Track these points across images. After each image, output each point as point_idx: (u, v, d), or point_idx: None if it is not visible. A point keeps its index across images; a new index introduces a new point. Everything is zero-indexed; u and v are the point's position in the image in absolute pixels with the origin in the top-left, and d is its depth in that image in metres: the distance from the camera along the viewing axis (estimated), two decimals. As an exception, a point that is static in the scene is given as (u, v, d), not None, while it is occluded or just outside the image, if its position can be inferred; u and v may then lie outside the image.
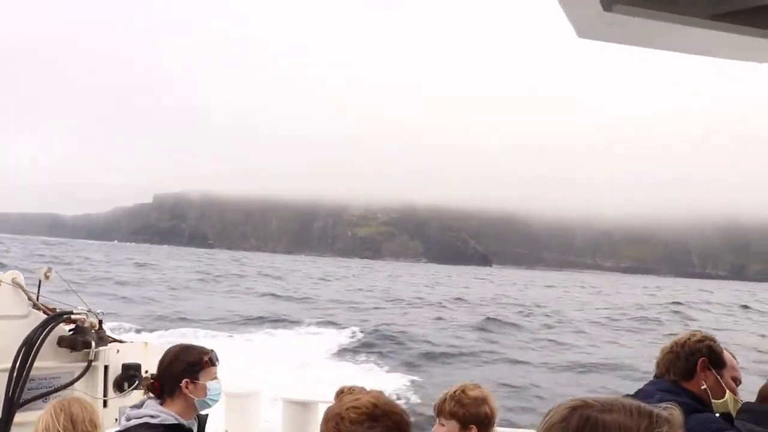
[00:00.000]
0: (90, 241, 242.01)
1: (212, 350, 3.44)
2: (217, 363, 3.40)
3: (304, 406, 6.62)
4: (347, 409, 1.84)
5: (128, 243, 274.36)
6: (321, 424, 1.93)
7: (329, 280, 70.55)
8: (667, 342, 3.25)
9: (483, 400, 3.02)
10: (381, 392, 1.97)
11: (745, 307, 58.83)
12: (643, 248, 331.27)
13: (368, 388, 2.05)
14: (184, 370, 3.28)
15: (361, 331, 26.55)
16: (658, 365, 3.20)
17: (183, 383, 3.27)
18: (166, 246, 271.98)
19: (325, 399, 7.49)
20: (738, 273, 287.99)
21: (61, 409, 3.32)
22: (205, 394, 3.31)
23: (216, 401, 3.41)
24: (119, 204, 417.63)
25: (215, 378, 3.37)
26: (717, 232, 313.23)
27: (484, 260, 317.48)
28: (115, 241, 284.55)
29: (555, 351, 25.93)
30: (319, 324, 28.70)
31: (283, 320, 29.66)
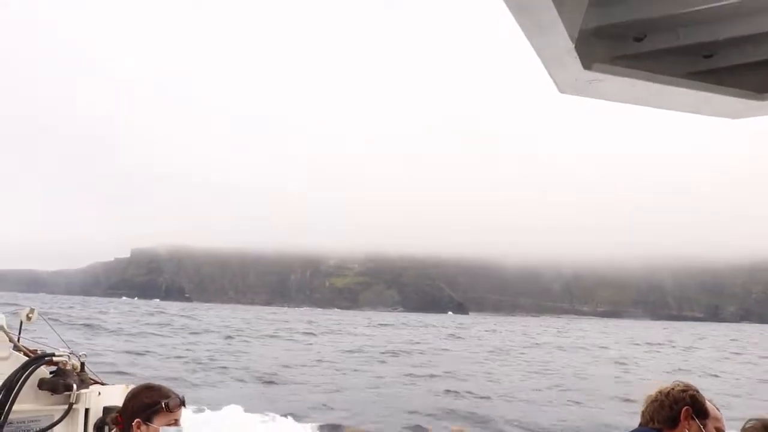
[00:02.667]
0: (67, 297, 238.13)
1: (176, 396, 3.32)
2: (175, 410, 3.26)
3: None
4: None
5: (104, 298, 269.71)
6: None
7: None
8: (653, 392, 3.30)
9: None
10: None
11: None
12: (617, 292, 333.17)
13: None
14: (138, 410, 3.23)
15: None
16: (642, 414, 3.25)
17: (135, 423, 3.21)
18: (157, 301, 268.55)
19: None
20: (713, 314, 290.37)
21: None
22: None
23: None
24: (98, 259, 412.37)
25: (172, 424, 3.24)
26: (689, 274, 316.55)
27: (461, 308, 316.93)
28: (96, 297, 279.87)
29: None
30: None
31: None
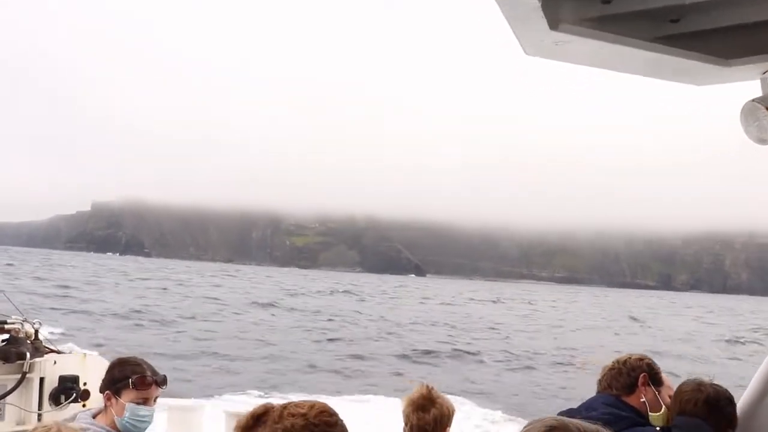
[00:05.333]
0: (28, 249, 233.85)
1: (151, 374, 3.21)
2: (144, 388, 3.15)
3: None
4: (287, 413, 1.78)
5: (64, 252, 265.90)
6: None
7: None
8: (608, 362, 3.43)
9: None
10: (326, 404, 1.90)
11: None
12: (574, 258, 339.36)
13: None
14: (108, 383, 3.19)
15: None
16: (599, 382, 3.39)
17: (105, 395, 3.17)
18: (104, 254, 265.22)
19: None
20: (665, 283, 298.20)
21: None
22: (122, 415, 3.13)
23: (138, 428, 3.18)
24: (60, 212, 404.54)
25: (141, 402, 3.15)
26: (643, 242, 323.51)
27: (418, 270, 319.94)
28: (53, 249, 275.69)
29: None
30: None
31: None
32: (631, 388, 3.29)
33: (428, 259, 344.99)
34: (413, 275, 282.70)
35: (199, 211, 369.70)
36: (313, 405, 1.80)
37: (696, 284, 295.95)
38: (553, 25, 2.10)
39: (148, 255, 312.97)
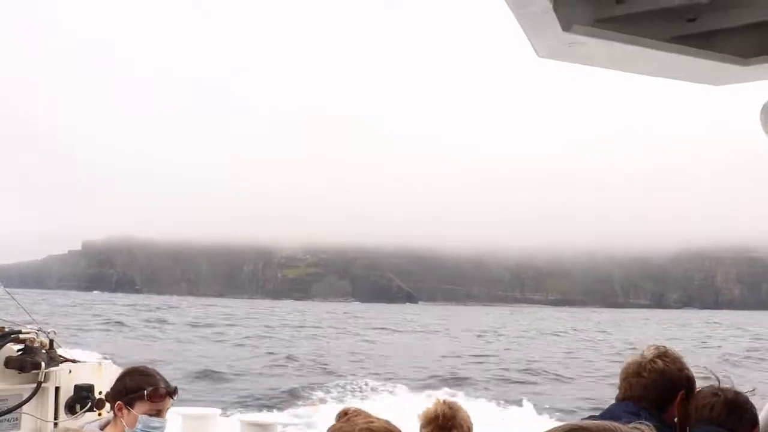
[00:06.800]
0: (19, 290, 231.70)
1: (164, 385, 3.18)
2: (158, 400, 3.10)
3: (263, 428, 6.45)
4: (360, 429, 1.76)
5: (56, 290, 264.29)
6: None
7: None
8: (632, 362, 3.00)
9: None
10: (388, 421, 1.89)
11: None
12: (566, 280, 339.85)
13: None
14: (120, 393, 3.14)
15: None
16: (623, 387, 2.98)
17: (117, 405, 3.13)
18: (95, 292, 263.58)
19: (282, 421, 7.36)
20: (658, 301, 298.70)
21: None
22: (134, 426, 3.08)
23: None
24: (52, 252, 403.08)
25: (155, 414, 3.09)
26: (634, 262, 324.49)
27: (410, 297, 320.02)
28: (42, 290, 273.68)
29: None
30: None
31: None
32: (665, 404, 2.90)
33: (419, 287, 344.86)
34: (406, 303, 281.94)
35: (188, 247, 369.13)
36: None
37: (689, 301, 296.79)
38: (566, 26, 2.05)
39: (139, 292, 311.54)
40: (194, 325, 56.43)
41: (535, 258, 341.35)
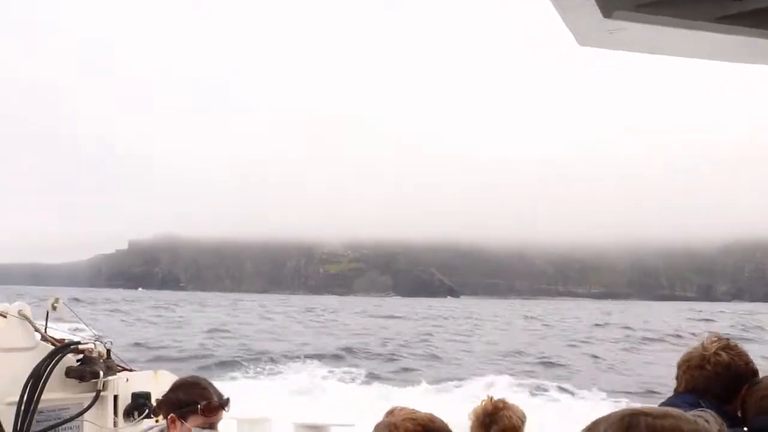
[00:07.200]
0: (70, 288, 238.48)
1: (217, 398, 3.15)
2: (211, 414, 3.09)
3: (316, 429, 6.52)
4: (403, 419, 1.79)
5: (103, 289, 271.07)
6: None
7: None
8: (694, 354, 2.88)
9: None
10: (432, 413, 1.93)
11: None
12: (610, 273, 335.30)
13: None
14: (173, 405, 3.14)
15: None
16: (686, 380, 2.87)
17: (170, 417, 3.13)
18: (140, 290, 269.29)
19: (337, 423, 7.48)
20: (706, 294, 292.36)
21: None
22: None
23: None
24: (100, 251, 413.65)
25: (207, 428, 3.09)
26: (681, 254, 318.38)
27: (452, 292, 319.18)
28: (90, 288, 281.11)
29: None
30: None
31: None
32: (730, 397, 2.78)
33: (461, 281, 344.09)
34: (448, 297, 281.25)
35: (232, 244, 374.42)
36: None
37: (738, 293, 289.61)
38: (607, 12, 1.99)
39: (183, 289, 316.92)
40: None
41: (579, 251, 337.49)
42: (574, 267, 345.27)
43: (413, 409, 2.01)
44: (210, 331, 41.60)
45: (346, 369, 25.10)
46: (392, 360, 30.19)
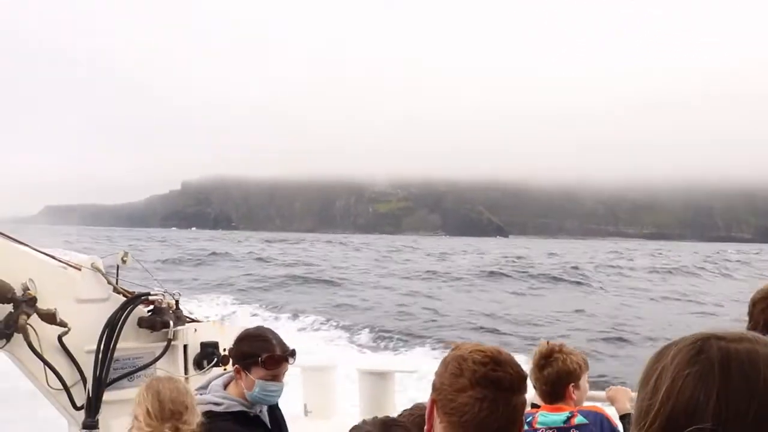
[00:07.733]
0: (128, 229, 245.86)
1: (281, 351, 3.16)
2: (273, 367, 3.12)
3: (381, 376, 6.63)
4: (471, 351, 1.84)
5: (158, 229, 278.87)
6: (439, 369, 1.87)
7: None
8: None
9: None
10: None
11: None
12: (663, 214, 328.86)
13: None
14: (237, 357, 3.20)
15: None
16: (756, 319, 2.73)
17: (235, 368, 3.20)
18: (193, 229, 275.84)
19: (400, 369, 7.62)
20: (764, 236, 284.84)
21: (149, 389, 2.92)
22: (252, 389, 3.15)
23: (267, 401, 3.24)
24: (155, 192, 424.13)
25: (271, 380, 3.14)
26: (740, 195, 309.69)
27: (501, 231, 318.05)
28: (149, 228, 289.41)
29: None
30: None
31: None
32: None
33: (510, 220, 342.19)
34: (497, 236, 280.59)
35: (282, 184, 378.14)
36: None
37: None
38: None
39: (235, 228, 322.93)
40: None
41: (631, 190, 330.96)
42: (625, 207, 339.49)
43: (478, 342, 2.01)
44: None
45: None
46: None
